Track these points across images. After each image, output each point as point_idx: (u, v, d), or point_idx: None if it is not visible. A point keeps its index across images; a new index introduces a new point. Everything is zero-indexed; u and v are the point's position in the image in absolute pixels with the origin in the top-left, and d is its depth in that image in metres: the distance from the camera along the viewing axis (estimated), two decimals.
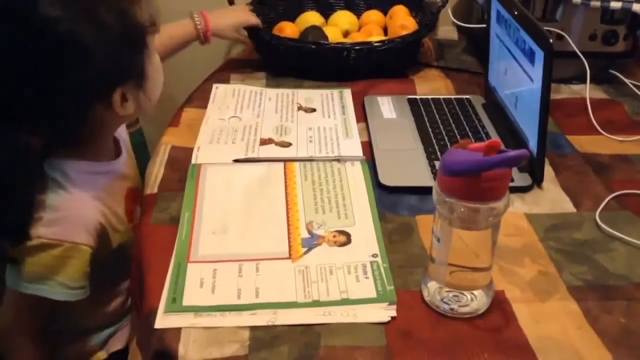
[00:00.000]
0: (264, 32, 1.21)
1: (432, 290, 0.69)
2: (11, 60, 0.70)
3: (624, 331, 0.66)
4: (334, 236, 0.79)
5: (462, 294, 0.67)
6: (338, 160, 0.93)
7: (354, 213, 0.83)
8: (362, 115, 1.06)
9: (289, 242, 0.78)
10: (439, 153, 0.94)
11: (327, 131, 1.01)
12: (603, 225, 0.81)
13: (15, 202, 0.73)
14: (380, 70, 1.19)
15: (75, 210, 0.80)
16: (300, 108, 1.08)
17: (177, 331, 0.66)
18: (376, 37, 1.25)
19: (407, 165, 0.92)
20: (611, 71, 1.18)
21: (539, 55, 0.82)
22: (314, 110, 1.08)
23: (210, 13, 1.16)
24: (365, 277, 0.72)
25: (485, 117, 1.05)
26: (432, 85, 1.19)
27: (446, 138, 0.99)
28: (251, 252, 0.76)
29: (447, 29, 1.40)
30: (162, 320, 0.67)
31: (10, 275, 0.79)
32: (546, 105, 0.83)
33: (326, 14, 1.37)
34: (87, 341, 0.93)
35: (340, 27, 1.32)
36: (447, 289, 0.68)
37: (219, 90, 1.14)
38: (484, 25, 1.09)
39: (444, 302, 0.68)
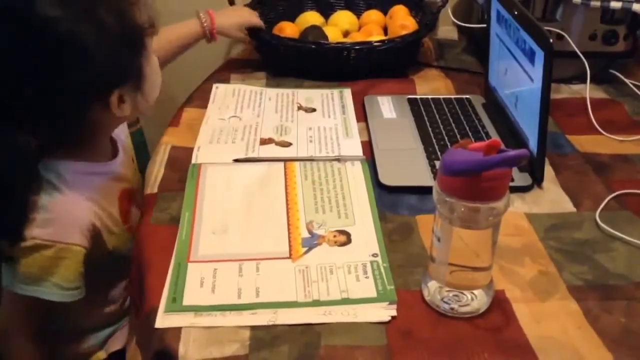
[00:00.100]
0: (264, 32, 1.21)
1: (432, 289, 0.69)
2: (11, 60, 0.71)
3: (624, 331, 0.66)
4: (334, 236, 0.79)
5: (463, 293, 0.67)
6: (338, 160, 0.93)
7: (354, 213, 0.83)
8: (362, 115, 1.06)
9: (289, 241, 0.78)
10: (439, 153, 0.94)
11: (327, 131, 1.01)
12: (603, 225, 0.81)
13: (14, 202, 0.73)
14: (380, 70, 1.19)
15: (69, 211, 0.80)
16: (300, 108, 1.08)
17: (177, 331, 0.66)
18: (376, 37, 1.25)
19: (407, 165, 0.92)
20: (611, 71, 1.18)
21: (539, 55, 0.82)
22: (314, 110, 1.08)
23: (216, 12, 1.17)
24: (366, 277, 0.72)
25: (485, 117, 1.05)
26: (432, 85, 1.19)
27: (446, 138, 0.99)
28: (251, 251, 0.76)
29: (447, 29, 1.40)
30: (163, 320, 0.67)
31: (6, 276, 0.79)
32: (546, 105, 0.83)
33: (326, 14, 1.37)
34: (86, 341, 0.93)
35: (340, 27, 1.32)
36: (448, 289, 0.68)
37: (219, 90, 1.14)
38: (484, 25, 1.09)
39: (444, 302, 0.68)
